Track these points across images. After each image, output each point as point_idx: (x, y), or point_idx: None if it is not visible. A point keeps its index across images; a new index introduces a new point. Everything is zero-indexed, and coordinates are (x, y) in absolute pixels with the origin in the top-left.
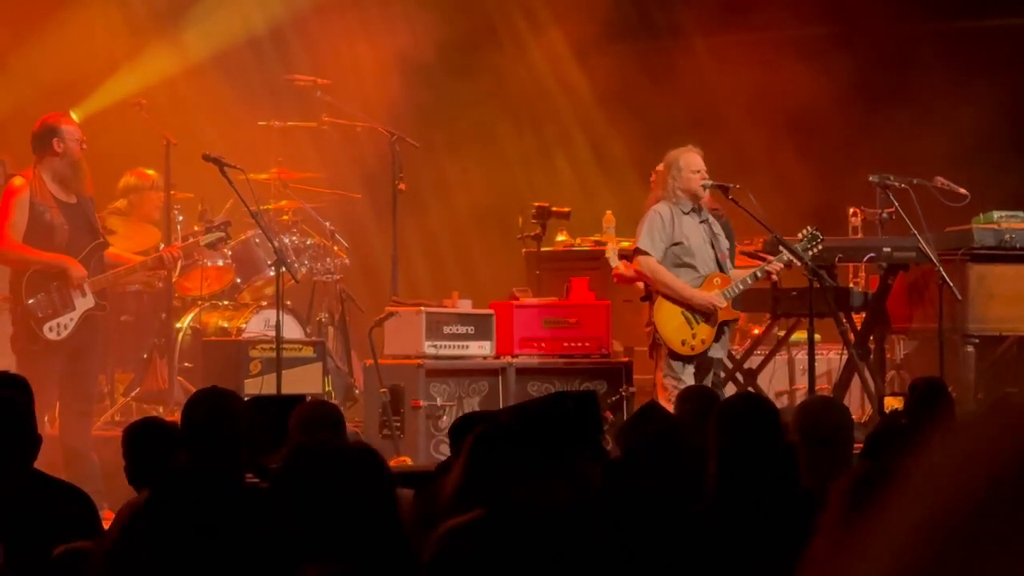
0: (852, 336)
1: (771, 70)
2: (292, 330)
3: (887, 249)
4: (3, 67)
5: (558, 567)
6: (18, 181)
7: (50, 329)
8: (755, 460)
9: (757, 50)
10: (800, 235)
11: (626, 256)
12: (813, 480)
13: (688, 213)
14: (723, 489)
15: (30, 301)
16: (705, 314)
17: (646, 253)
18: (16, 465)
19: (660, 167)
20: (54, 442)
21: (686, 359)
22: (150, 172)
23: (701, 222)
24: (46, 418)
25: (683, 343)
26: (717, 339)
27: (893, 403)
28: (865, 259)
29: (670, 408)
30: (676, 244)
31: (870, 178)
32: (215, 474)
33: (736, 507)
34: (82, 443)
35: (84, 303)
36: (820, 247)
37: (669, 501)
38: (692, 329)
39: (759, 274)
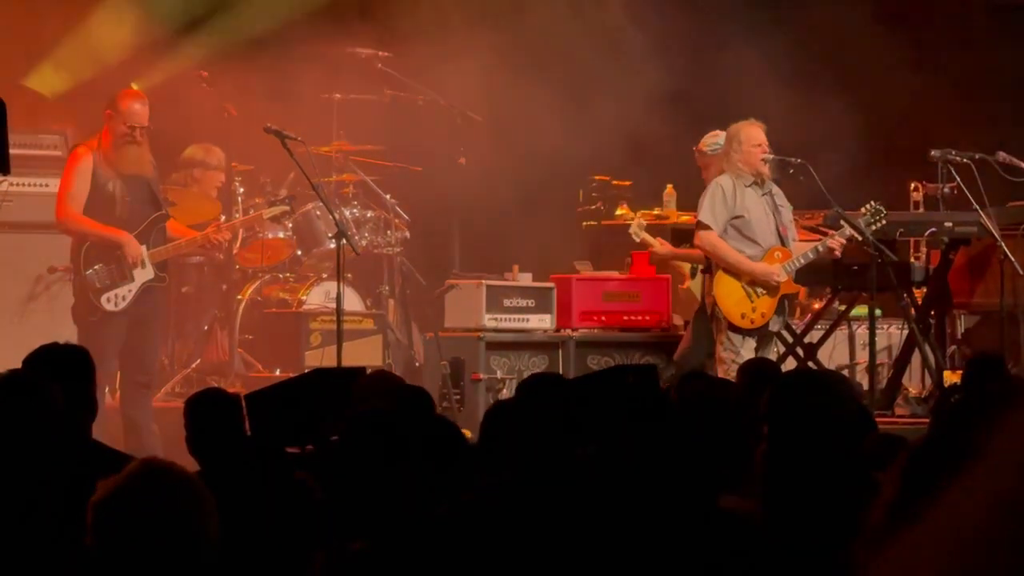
0: (913, 311)
1: (836, 43)
2: (352, 302)
3: (948, 224)
4: (66, 39)
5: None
6: (81, 151)
7: (108, 300)
8: (813, 442)
9: (817, 22)
10: (863, 209)
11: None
12: None
13: (750, 186)
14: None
15: (88, 272)
16: (765, 287)
17: (707, 227)
18: (73, 437)
19: (701, 145)
20: (115, 413)
21: (746, 332)
22: (217, 150)
23: (763, 195)
24: (107, 389)
25: (743, 316)
26: (778, 312)
27: (953, 378)
28: (926, 234)
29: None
30: (737, 217)
31: (932, 153)
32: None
33: (789, 491)
34: (142, 414)
35: (143, 275)
36: (884, 222)
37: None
38: (752, 303)
39: (820, 248)
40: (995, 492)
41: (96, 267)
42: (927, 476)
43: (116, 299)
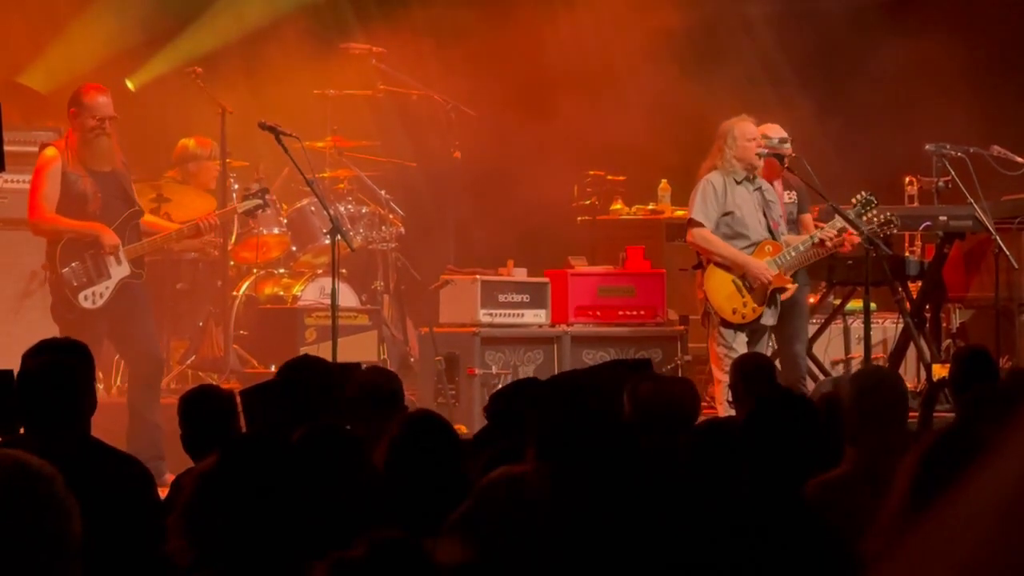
0: (908, 305)
1: (828, 37)
2: (347, 298)
3: (943, 218)
4: (60, 36)
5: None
6: (50, 152)
7: (85, 298)
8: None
9: (815, 18)
10: (853, 200)
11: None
12: (866, 450)
13: (741, 182)
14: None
15: (64, 270)
16: (757, 282)
17: (699, 224)
18: (71, 432)
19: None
20: (113, 409)
21: (737, 327)
22: (209, 140)
23: (754, 190)
24: (101, 386)
25: (734, 311)
26: (769, 306)
27: (941, 372)
28: (921, 228)
29: (723, 376)
30: (727, 214)
31: (926, 147)
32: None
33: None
34: (147, 408)
35: (120, 271)
36: (875, 211)
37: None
38: (743, 297)
39: (812, 241)
40: (1001, 492)
41: (72, 265)
42: (942, 470)
43: (94, 296)
